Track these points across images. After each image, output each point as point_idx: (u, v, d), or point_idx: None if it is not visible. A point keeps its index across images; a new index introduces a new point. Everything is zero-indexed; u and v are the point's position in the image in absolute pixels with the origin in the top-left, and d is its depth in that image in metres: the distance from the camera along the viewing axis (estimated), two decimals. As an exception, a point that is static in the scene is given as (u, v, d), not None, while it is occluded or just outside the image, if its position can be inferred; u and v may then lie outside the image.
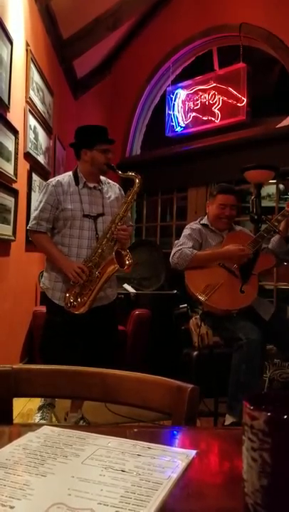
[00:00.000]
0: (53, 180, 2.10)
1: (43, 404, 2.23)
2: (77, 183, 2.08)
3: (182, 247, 2.30)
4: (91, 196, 2.09)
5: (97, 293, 2.02)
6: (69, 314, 2.01)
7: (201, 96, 4.26)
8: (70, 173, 2.15)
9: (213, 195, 2.43)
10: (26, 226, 2.36)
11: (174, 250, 2.33)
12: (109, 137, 2.15)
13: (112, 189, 2.19)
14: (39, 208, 2.05)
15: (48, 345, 2.12)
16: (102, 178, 2.17)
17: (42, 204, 2.05)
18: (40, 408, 2.23)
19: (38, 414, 2.22)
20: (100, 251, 2.02)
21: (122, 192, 2.22)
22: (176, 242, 2.41)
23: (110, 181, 2.23)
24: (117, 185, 2.24)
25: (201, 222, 2.48)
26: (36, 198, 2.16)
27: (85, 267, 1.99)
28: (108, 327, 2.17)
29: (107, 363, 2.06)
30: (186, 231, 2.43)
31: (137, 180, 2.11)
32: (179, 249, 2.29)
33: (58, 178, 2.13)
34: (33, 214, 2.10)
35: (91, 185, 2.11)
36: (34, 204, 2.22)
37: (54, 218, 2.06)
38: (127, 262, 2.04)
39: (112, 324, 2.22)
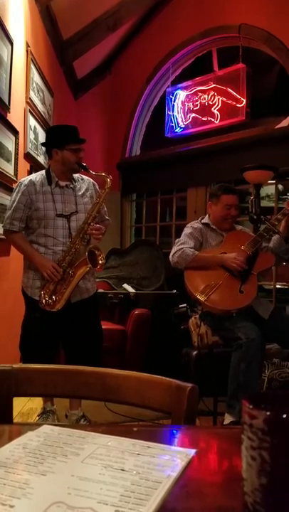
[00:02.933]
0: (25, 180, 2.13)
1: (43, 412, 2.22)
2: (49, 182, 2.11)
3: (183, 246, 2.30)
4: (64, 195, 2.12)
5: (71, 291, 2.06)
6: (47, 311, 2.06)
7: (200, 97, 4.26)
8: (43, 172, 2.18)
9: (217, 196, 2.42)
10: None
11: (174, 249, 2.33)
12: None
13: (85, 184, 2.21)
14: (12, 208, 2.08)
15: (28, 342, 2.14)
16: (74, 175, 2.19)
17: (15, 204, 2.08)
18: (40, 416, 2.23)
19: (39, 421, 2.22)
20: (73, 250, 2.05)
21: (97, 187, 2.25)
22: (176, 240, 2.41)
23: (84, 177, 2.25)
24: (91, 181, 2.26)
25: (203, 221, 2.48)
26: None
27: (58, 267, 2.03)
28: (89, 322, 2.19)
29: (92, 360, 2.07)
30: (187, 230, 2.43)
31: (109, 180, 2.14)
32: (180, 249, 2.29)
33: (31, 177, 2.15)
34: (7, 213, 2.12)
35: (63, 184, 2.13)
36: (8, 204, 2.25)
37: (28, 218, 2.09)
38: (100, 262, 2.09)
39: (94, 318, 2.24)
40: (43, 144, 2.25)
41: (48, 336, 2.09)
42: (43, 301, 2.04)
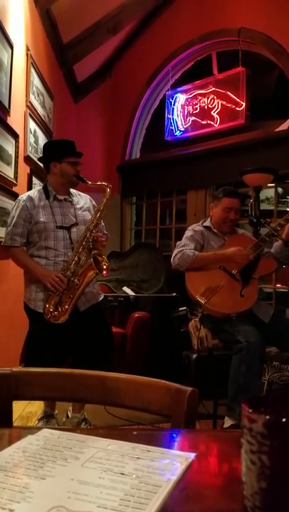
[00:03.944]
0: (23, 196, 2.14)
1: (44, 416, 2.21)
2: (47, 196, 2.12)
3: (184, 248, 2.30)
4: (62, 208, 2.12)
5: (78, 299, 2.04)
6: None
7: (200, 100, 4.27)
8: (40, 188, 2.19)
9: (219, 198, 2.42)
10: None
11: (175, 251, 2.33)
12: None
13: (82, 199, 2.23)
14: (12, 224, 2.08)
15: (36, 358, 2.08)
16: (72, 190, 2.20)
17: (14, 219, 2.08)
18: (40, 419, 2.22)
19: (39, 425, 2.21)
20: (76, 259, 2.04)
21: (94, 202, 2.26)
22: (177, 243, 2.41)
23: (81, 193, 2.27)
24: (88, 197, 2.28)
25: (204, 224, 2.48)
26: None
27: (62, 276, 2.01)
28: (101, 328, 2.17)
29: (105, 365, 2.04)
30: (188, 232, 2.43)
31: (108, 190, 2.15)
32: (181, 250, 2.29)
33: (29, 193, 2.17)
34: (7, 230, 2.11)
35: (61, 197, 2.14)
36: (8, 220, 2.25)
37: (28, 232, 2.09)
38: (104, 267, 2.08)
39: (103, 325, 2.22)
40: (40, 159, 2.27)
41: (56, 350, 2.05)
42: (48, 314, 2.01)
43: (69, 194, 2.17)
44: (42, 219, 2.06)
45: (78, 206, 2.17)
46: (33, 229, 2.07)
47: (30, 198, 2.10)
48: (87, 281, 2.04)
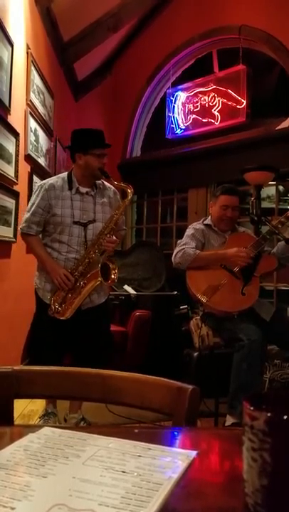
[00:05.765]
0: (46, 183, 2.11)
1: (45, 414, 2.22)
2: (70, 187, 2.08)
3: (185, 246, 2.30)
4: (83, 202, 2.09)
5: (80, 302, 2.05)
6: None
7: (200, 98, 4.27)
8: (65, 175, 2.14)
9: (216, 196, 2.42)
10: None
11: (176, 250, 2.33)
12: (106, 141, 2.14)
13: (106, 192, 2.18)
14: (31, 211, 2.08)
15: (38, 344, 2.15)
16: (97, 181, 2.16)
17: (34, 207, 2.07)
18: (41, 417, 2.22)
19: (40, 423, 2.22)
20: (87, 261, 2.03)
21: (118, 196, 2.22)
22: (178, 241, 2.41)
23: (106, 184, 2.21)
24: (113, 188, 2.22)
25: (205, 222, 2.48)
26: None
27: (70, 275, 2.01)
28: (98, 327, 2.18)
29: (99, 363, 2.06)
30: (189, 231, 2.43)
31: (129, 191, 2.10)
32: (182, 249, 2.29)
33: (52, 180, 2.13)
34: (25, 216, 2.12)
35: (83, 190, 2.10)
36: (27, 205, 2.24)
37: (45, 222, 2.08)
38: (112, 277, 2.05)
39: (102, 324, 2.23)
40: (67, 147, 2.22)
41: (57, 339, 2.08)
42: (53, 308, 2.03)
43: (92, 187, 2.13)
44: (60, 212, 2.04)
45: (100, 201, 2.13)
46: (50, 220, 2.06)
47: (52, 187, 2.07)
48: (90, 288, 2.03)
